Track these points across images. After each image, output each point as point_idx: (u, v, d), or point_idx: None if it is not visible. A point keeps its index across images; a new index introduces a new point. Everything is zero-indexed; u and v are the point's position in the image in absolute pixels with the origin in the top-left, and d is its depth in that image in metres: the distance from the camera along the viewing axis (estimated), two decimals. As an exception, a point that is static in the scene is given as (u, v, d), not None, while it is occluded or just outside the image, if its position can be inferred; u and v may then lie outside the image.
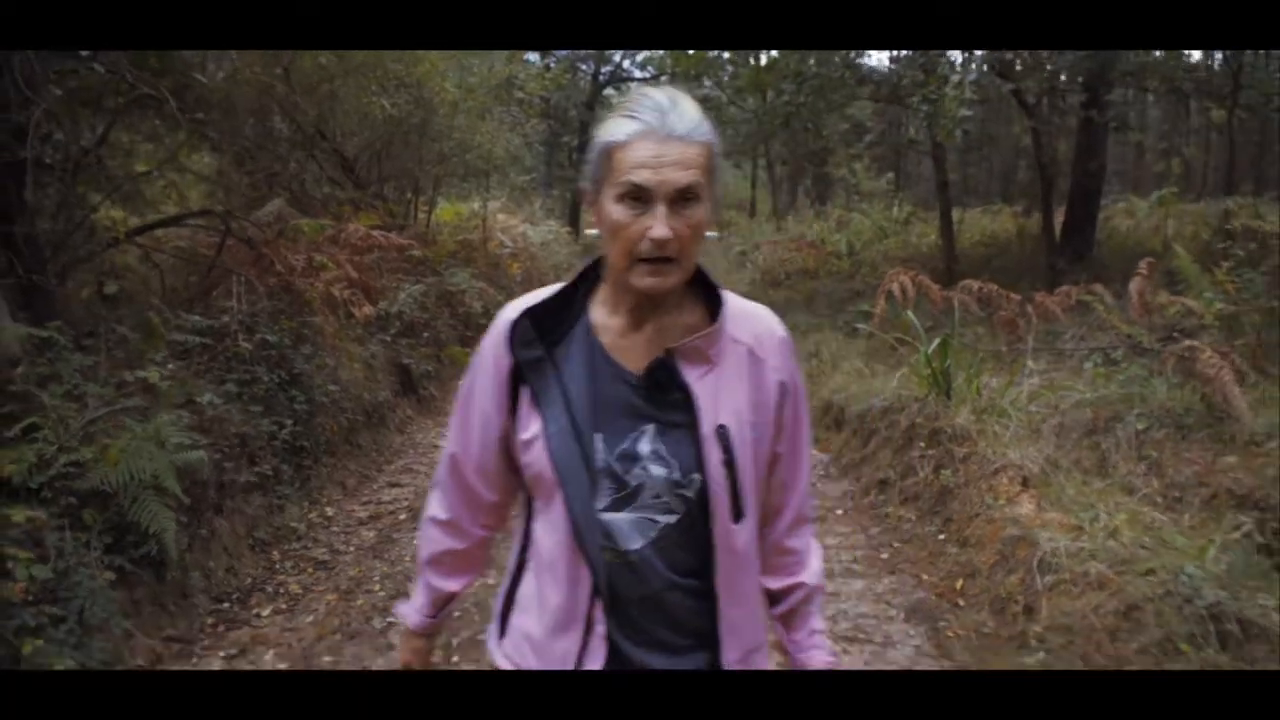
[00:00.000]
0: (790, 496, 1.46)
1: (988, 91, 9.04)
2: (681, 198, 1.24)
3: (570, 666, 1.37)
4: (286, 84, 8.05)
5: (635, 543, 1.34)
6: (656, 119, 1.25)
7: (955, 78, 7.22)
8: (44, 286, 4.52)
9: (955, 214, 14.65)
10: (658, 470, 1.33)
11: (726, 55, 11.22)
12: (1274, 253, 6.78)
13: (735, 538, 1.36)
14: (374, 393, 6.92)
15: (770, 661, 1.47)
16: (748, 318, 1.41)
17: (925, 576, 3.96)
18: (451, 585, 1.57)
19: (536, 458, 1.34)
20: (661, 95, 1.29)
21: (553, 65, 15.06)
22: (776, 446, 1.41)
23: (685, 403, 1.32)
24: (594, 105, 28.09)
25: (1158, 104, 9.54)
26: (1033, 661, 3.08)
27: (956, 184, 17.93)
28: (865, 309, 7.19)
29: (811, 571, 1.49)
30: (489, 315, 8.61)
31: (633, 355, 1.35)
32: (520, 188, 17.62)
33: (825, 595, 1.52)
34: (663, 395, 1.33)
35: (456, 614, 1.60)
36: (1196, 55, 7.66)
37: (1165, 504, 3.80)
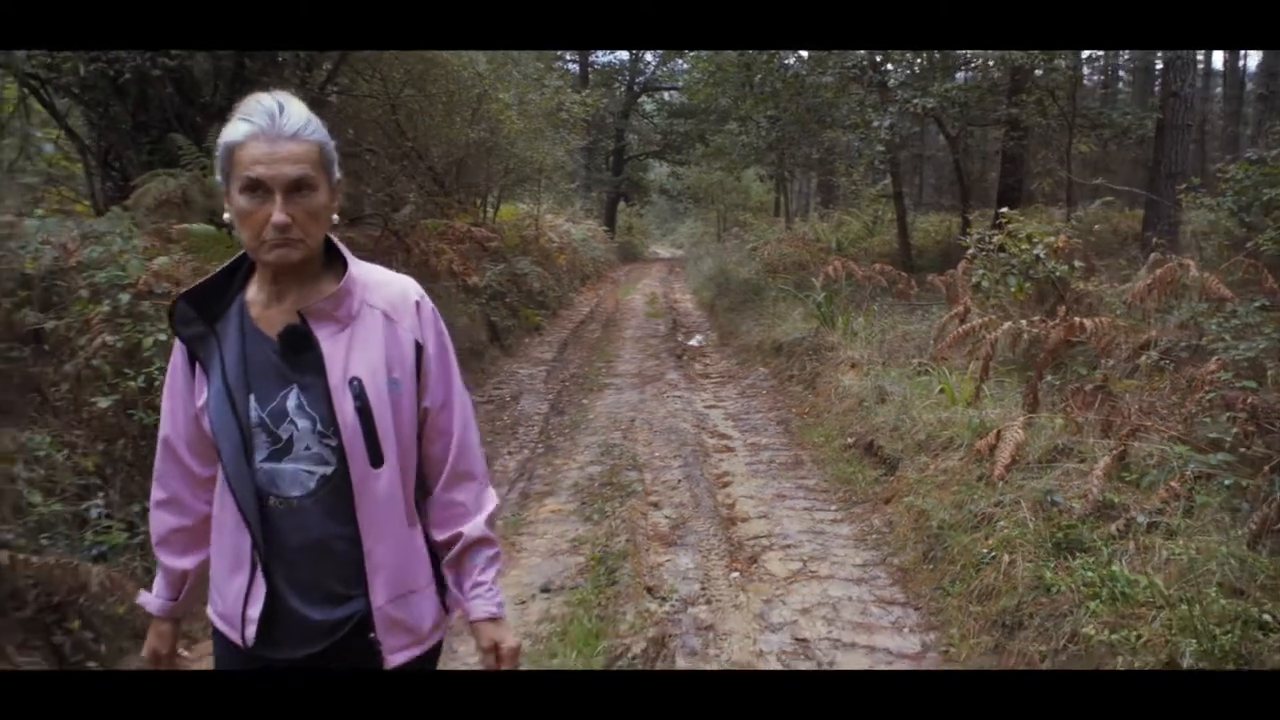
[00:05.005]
0: (446, 451, 1.74)
1: (920, 123, 13.00)
2: (295, 188, 1.54)
3: (241, 604, 1.66)
4: (394, 120, 12.33)
5: (296, 490, 1.62)
6: (268, 121, 1.54)
7: (876, 121, 11.23)
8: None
9: (934, 217, 18.64)
10: (303, 423, 1.62)
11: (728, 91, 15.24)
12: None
13: (375, 482, 1.63)
14: (475, 338, 11.04)
15: (428, 603, 1.74)
16: (384, 286, 1.71)
17: (794, 409, 8.03)
18: (184, 562, 1.79)
19: (206, 420, 1.65)
20: (272, 101, 1.56)
21: (590, 92, 19.16)
22: (424, 402, 1.71)
23: (316, 359, 1.61)
24: (628, 114, 32.33)
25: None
26: (819, 434, 7.10)
27: (942, 190, 21.88)
28: (785, 280, 11.33)
29: (474, 524, 1.75)
30: (545, 293, 13.35)
31: (274, 323, 1.65)
32: (564, 192, 21.93)
33: (495, 550, 1.77)
34: (299, 356, 1.63)
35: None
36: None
37: (913, 366, 7.77)
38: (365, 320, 1.65)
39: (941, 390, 6.31)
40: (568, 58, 28.49)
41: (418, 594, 1.71)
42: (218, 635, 1.74)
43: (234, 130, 1.55)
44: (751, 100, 14.46)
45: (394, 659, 1.68)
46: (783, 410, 8.18)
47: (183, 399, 1.70)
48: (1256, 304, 5.71)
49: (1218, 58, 24.31)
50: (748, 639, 3.93)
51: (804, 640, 3.91)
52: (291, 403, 1.62)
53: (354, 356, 1.62)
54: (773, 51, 12.96)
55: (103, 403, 4.30)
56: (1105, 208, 11.35)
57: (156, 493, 1.77)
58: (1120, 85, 22.43)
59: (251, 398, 1.62)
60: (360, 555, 1.64)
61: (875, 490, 5.58)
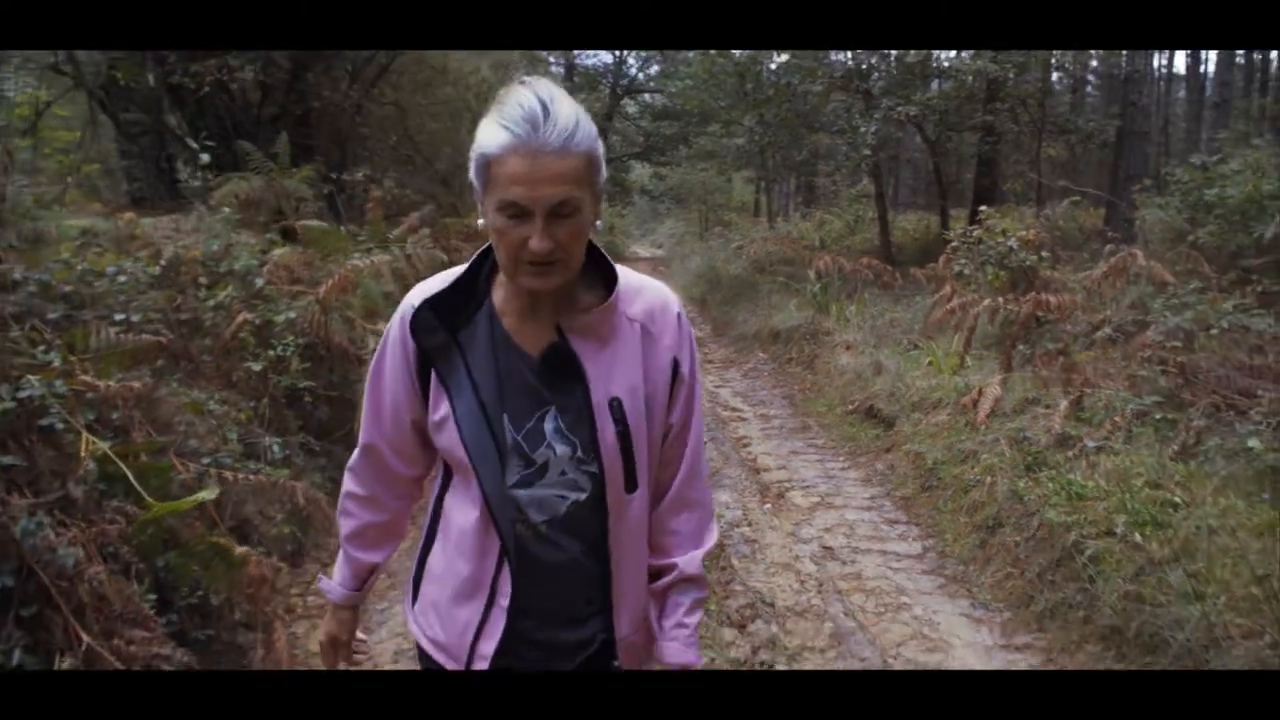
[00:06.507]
0: (675, 473, 1.65)
1: (902, 128, 14.23)
2: (558, 211, 1.40)
3: (471, 635, 1.59)
4: (403, 128, 13.42)
5: (544, 515, 1.56)
6: (528, 131, 1.36)
7: (862, 128, 12.44)
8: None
9: (912, 216, 19.93)
10: (562, 448, 1.54)
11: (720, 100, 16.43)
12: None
13: (629, 507, 1.58)
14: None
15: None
16: (641, 294, 1.59)
17: (796, 386, 9.20)
18: (374, 557, 1.79)
19: (448, 438, 1.55)
20: (535, 101, 1.37)
21: (585, 97, 20.30)
22: (667, 419, 1.62)
23: (579, 378, 1.52)
24: (612, 116, 33.46)
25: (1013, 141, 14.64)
26: (822, 405, 8.26)
27: (919, 191, 23.22)
28: (783, 275, 12.56)
29: (689, 558, 1.65)
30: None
31: (532, 338, 1.55)
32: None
33: (703, 593, 1.69)
34: (559, 376, 1.53)
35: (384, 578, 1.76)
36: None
37: (904, 344, 8.95)
38: (624, 334, 1.56)
39: (930, 362, 7.49)
40: (552, 60, 29.58)
41: (650, 619, 1.70)
42: (424, 658, 1.70)
43: (491, 138, 1.40)
44: (744, 105, 15.66)
45: None
46: (785, 387, 9.35)
47: (400, 405, 1.63)
48: (1192, 286, 6.93)
49: (1180, 65, 25.88)
50: (785, 548, 5.06)
51: (829, 548, 5.05)
52: (549, 425, 1.54)
53: (615, 375, 1.54)
54: (763, 58, 14.18)
55: (255, 366, 5.36)
56: (1072, 207, 12.57)
57: (354, 488, 1.75)
58: (1089, 90, 23.87)
59: (505, 418, 1.53)
60: (601, 575, 1.60)
61: (876, 444, 6.75)
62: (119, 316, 4.37)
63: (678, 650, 1.65)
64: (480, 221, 1.49)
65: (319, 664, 1.94)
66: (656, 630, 1.68)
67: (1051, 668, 3.68)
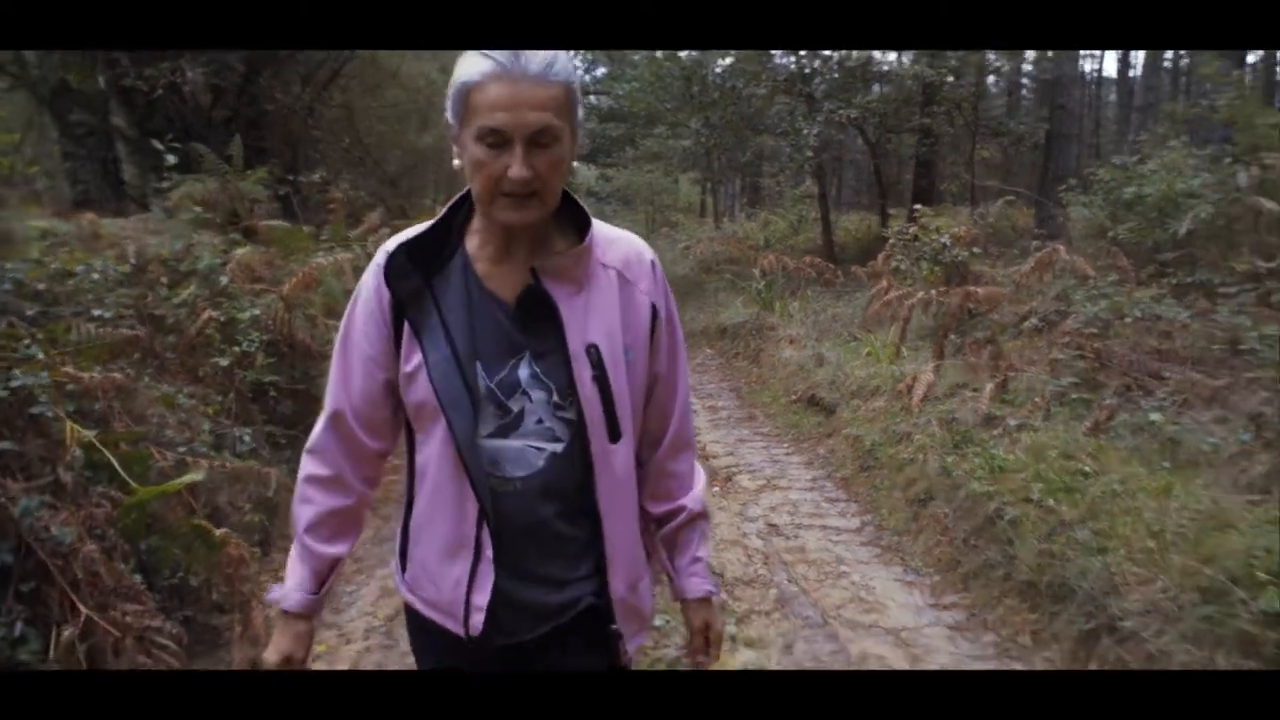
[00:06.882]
0: (669, 419, 1.67)
1: (843, 130, 14.72)
2: (538, 138, 1.40)
3: (462, 592, 1.57)
4: (353, 131, 13.60)
5: (521, 470, 1.53)
6: (509, 58, 1.38)
7: (805, 130, 12.87)
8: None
9: (854, 215, 20.49)
10: (538, 394, 1.52)
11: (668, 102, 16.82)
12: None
13: (613, 458, 1.55)
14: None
15: (649, 586, 1.71)
16: (615, 243, 1.61)
17: (742, 380, 9.58)
18: (336, 549, 1.67)
19: (419, 387, 1.52)
20: None
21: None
22: (654, 368, 1.63)
23: (554, 323, 1.51)
24: (557, 117, 33.62)
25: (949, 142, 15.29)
26: (767, 396, 8.64)
27: (860, 191, 23.81)
28: (729, 274, 12.98)
29: (693, 496, 1.71)
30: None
31: (505, 284, 1.54)
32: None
33: (709, 525, 1.75)
34: (535, 322, 1.52)
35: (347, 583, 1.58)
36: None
37: (844, 337, 9.37)
38: (600, 281, 1.57)
39: (869, 353, 7.90)
40: (497, 63, 29.63)
41: (644, 581, 1.70)
42: (420, 624, 1.67)
43: (471, 68, 1.41)
44: (690, 108, 16.06)
45: (629, 647, 1.67)
46: (732, 381, 9.73)
47: (372, 361, 1.59)
48: (1111, 279, 7.42)
49: (1111, 69, 26.82)
50: (733, 527, 5.40)
51: (774, 525, 5.40)
52: (524, 372, 1.53)
53: (591, 321, 1.54)
54: (709, 61, 14.57)
55: (222, 362, 5.57)
56: (1006, 206, 13.12)
57: (316, 470, 1.66)
58: (1024, 94, 24.66)
59: (478, 365, 1.52)
60: (588, 537, 1.59)
61: (818, 430, 7.13)
62: (96, 312, 4.58)
63: (698, 584, 1.72)
64: (455, 162, 1.50)
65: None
66: (671, 570, 1.73)
67: (974, 622, 4.06)
